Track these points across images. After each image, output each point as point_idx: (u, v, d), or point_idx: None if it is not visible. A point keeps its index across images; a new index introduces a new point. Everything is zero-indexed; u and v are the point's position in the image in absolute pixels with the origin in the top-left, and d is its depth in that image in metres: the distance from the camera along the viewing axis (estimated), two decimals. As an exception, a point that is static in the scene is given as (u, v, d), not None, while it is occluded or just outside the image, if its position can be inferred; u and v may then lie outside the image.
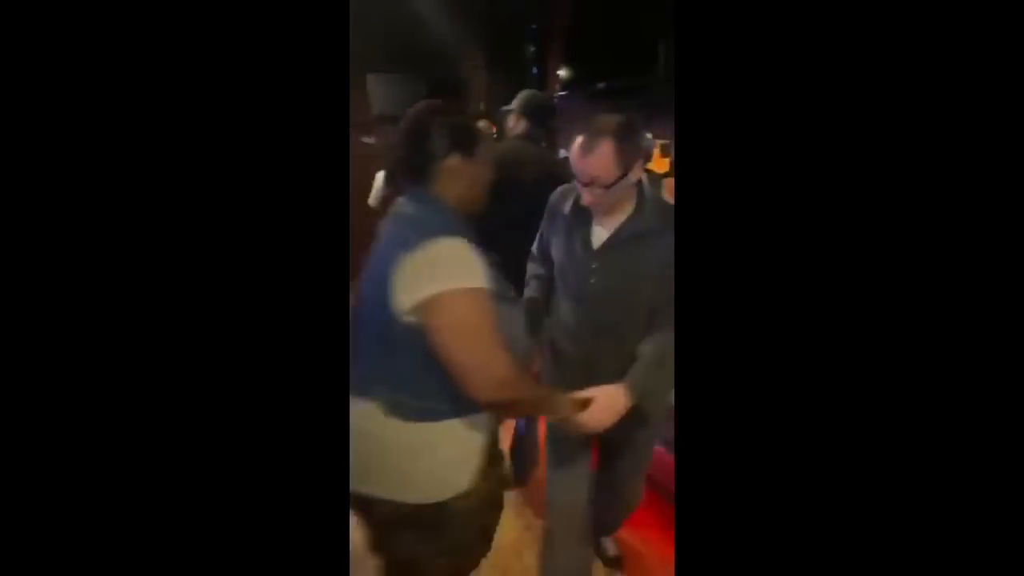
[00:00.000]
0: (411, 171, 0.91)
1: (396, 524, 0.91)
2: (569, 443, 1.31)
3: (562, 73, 3.44)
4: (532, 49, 3.86)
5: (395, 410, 0.88)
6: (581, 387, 1.06)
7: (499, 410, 0.88)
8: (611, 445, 1.40)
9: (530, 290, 1.35)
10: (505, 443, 1.48)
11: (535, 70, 3.84)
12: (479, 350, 0.81)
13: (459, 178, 0.90)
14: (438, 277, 0.80)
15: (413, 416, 0.88)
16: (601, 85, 2.91)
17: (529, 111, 1.80)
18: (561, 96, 3.37)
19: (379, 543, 0.98)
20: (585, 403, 1.01)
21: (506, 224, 1.43)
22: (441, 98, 1.00)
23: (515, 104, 1.83)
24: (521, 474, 2.05)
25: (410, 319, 0.83)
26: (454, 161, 0.89)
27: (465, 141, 0.91)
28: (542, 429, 2.03)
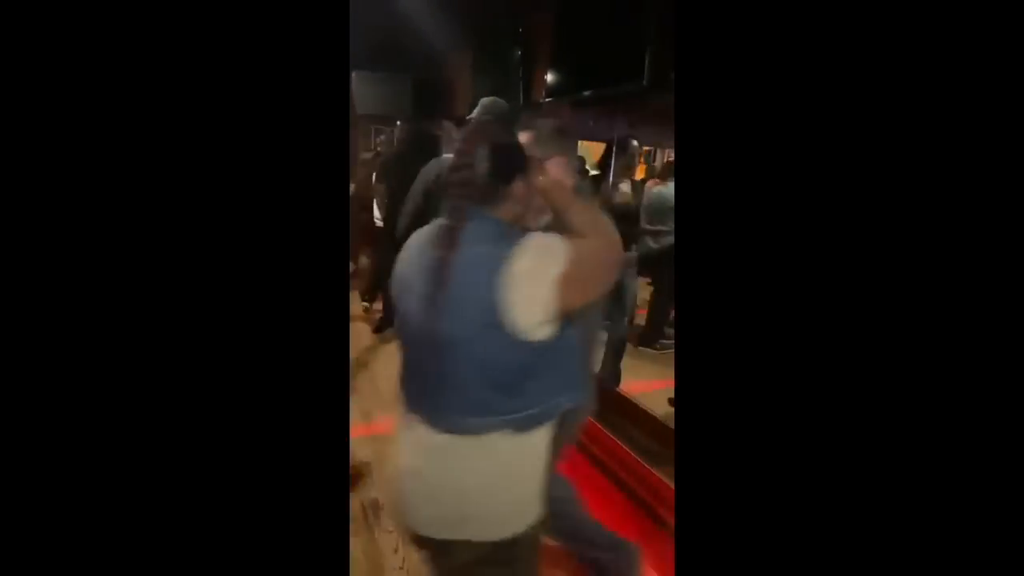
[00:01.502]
0: (482, 196, 0.89)
1: (474, 566, 0.88)
2: None
3: (549, 77, 3.44)
4: (518, 52, 3.86)
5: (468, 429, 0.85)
6: None
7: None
8: None
9: None
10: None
11: (520, 72, 3.84)
12: (605, 266, 0.89)
13: (521, 201, 0.90)
14: (548, 264, 0.81)
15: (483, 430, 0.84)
16: (587, 93, 2.91)
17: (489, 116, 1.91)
18: (547, 102, 3.37)
19: None
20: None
21: None
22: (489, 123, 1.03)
23: (476, 111, 1.93)
24: None
25: (542, 332, 0.81)
26: (519, 186, 0.91)
27: (525, 166, 0.92)
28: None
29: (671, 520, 1.89)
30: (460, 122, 2.21)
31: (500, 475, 0.87)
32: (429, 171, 2.15)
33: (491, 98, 1.97)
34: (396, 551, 1.79)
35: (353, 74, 3.95)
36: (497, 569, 0.89)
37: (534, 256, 0.81)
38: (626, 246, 1.11)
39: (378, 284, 3.73)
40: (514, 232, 0.87)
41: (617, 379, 2.66)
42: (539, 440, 0.88)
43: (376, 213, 3.93)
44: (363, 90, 4.05)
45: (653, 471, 2.00)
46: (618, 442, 2.18)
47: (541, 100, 3.44)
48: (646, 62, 2.55)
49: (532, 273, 0.80)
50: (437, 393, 0.85)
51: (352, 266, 4.50)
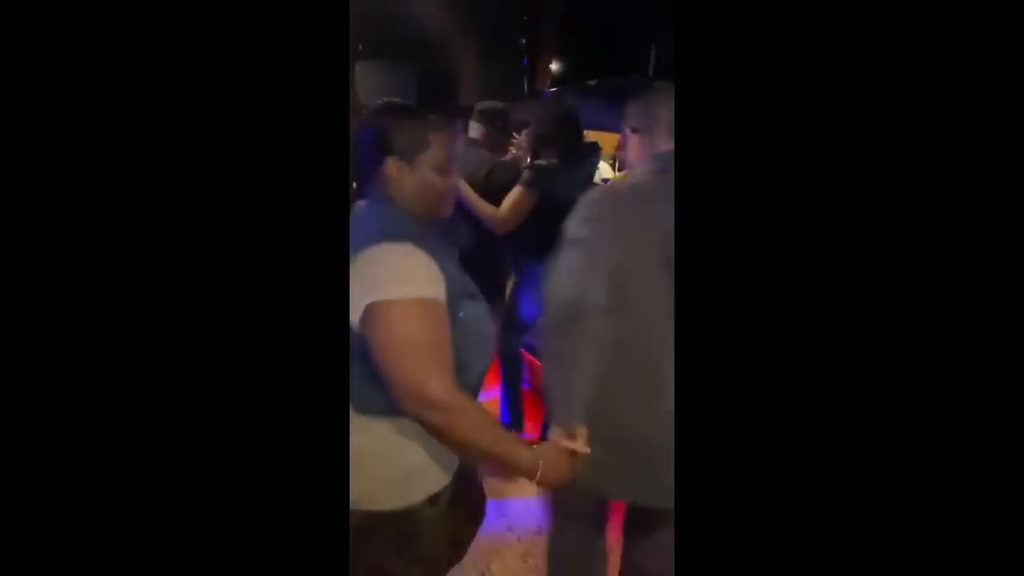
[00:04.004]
0: (360, 173, 0.90)
1: (366, 534, 0.89)
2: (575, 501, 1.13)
3: (554, 67, 3.45)
4: (523, 41, 3.86)
5: (364, 408, 0.85)
6: None
7: (441, 438, 0.80)
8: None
9: None
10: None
11: (526, 62, 3.85)
12: (410, 365, 0.77)
13: (402, 182, 0.88)
14: (375, 285, 0.77)
15: (381, 412, 0.85)
16: (591, 82, 2.94)
17: (483, 118, 2.07)
18: (550, 91, 3.40)
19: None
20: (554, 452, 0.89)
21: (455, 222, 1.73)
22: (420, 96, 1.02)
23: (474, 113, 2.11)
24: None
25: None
26: (393, 165, 0.87)
27: (404, 146, 0.90)
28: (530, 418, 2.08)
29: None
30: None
31: (391, 447, 0.87)
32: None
33: (485, 101, 2.12)
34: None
35: (357, 64, 3.93)
36: (390, 541, 0.90)
37: (375, 264, 0.79)
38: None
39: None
40: (399, 217, 0.86)
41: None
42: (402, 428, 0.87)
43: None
44: (368, 79, 4.04)
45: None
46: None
47: (546, 89, 3.46)
48: (651, 53, 2.57)
49: (356, 280, 0.78)
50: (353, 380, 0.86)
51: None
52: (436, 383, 0.76)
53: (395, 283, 0.77)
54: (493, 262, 1.98)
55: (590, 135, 4.05)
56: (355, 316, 0.77)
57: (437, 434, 0.79)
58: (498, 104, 2.06)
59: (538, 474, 0.83)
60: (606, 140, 4.18)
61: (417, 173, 0.88)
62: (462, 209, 1.93)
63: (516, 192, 1.91)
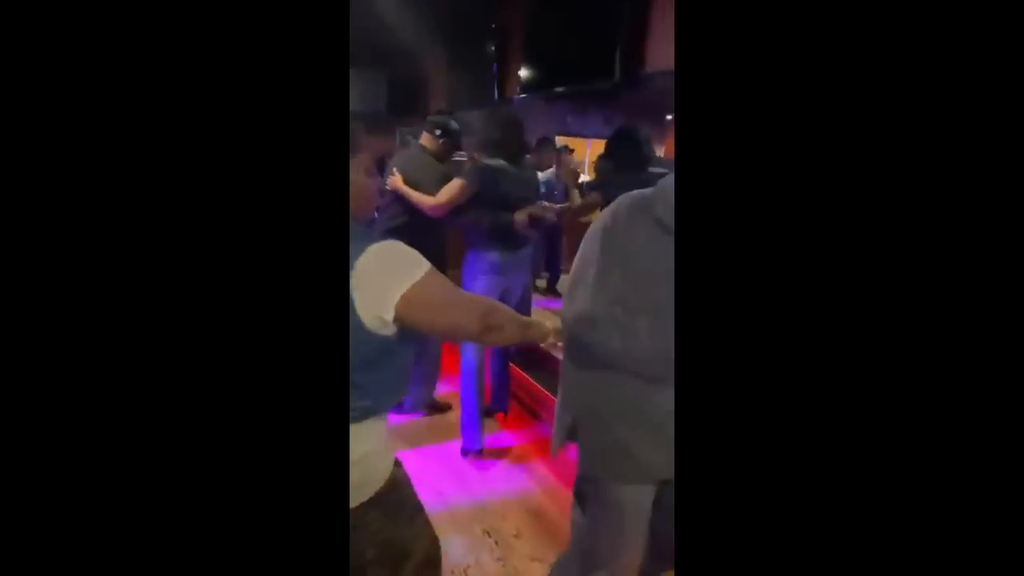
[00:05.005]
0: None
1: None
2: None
3: (523, 73, 3.49)
4: (492, 48, 3.89)
5: None
6: None
7: (493, 338, 0.98)
8: None
9: None
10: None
11: (495, 69, 3.87)
12: (467, 308, 0.96)
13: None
14: (397, 277, 0.86)
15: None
16: (560, 89, 2.97)
17: (432, 129, 2.47)
18: (520, 97, 3.43)
19: None
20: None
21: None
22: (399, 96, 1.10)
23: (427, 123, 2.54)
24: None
25: (386, 332, 0.87)
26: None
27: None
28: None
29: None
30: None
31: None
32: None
33: (440, 115, 2.52)
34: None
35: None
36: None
37: (379, 259, 0.86)
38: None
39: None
40: (368, 231, 0.94)
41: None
42: (368, 430, 0.93)
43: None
44: (338, 87, 4.01)
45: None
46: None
47: (515, 95, 3.49)
48: (616, 58, 2.61)
49: (375, 275, 0.85)
50: None
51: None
52: (492, 311, 0.97)
53: (410, 267, 0.88)
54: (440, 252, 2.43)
55: (562, 140, 4.09)
56: (386, 313, 0.85)
57: (500, 344, 1.03)
58: (447, 118, 2.48)
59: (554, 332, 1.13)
60: (576, 145, 4.23)
61: (351, 176, 0.94)
62: (404, 202, 2.34)
63: (454, 182, 2.23)
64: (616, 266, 1.02)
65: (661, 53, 2.62)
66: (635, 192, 1.07)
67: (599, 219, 1.10)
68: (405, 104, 4.38)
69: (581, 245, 1.13)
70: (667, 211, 0.98)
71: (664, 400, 0.99)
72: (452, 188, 2.23)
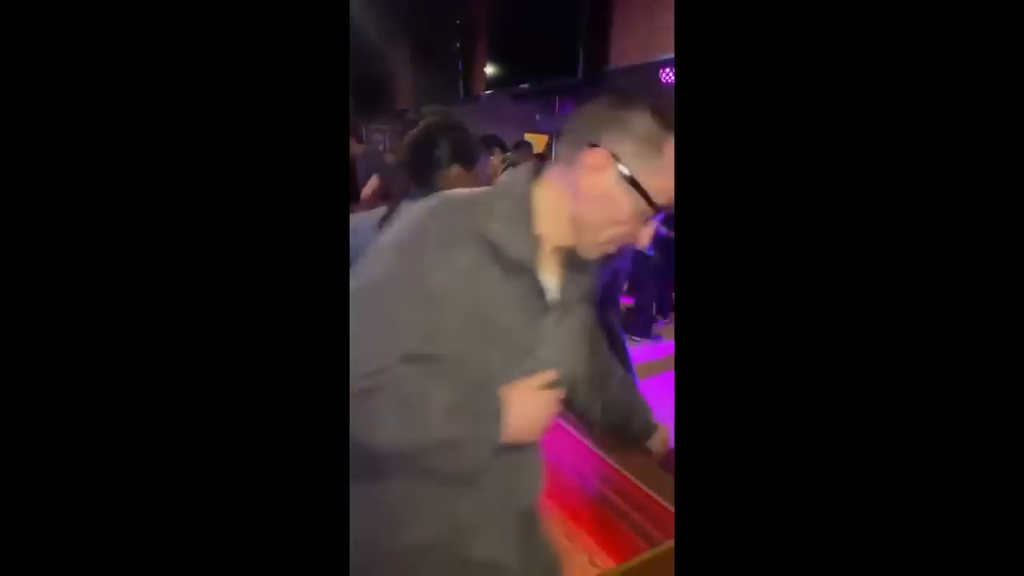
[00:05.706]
0: (417, 177, 1.05)
1: None
2: None
3: (488, 71, 3.51)
4: (456, 45, 3.90)
5: None
6: None
7: None
8: None
9: None
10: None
11: (460, 67, 3.88)
12: None
13: (459, 186, 1.03)
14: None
15: None
16: (524, 86, 3.01)
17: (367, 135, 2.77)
18: (485, 95, 3.45)
19: None
20: None
21: None
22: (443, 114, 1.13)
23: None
24: None
25: None
26: (455, 171, 1.01)
27: (466, 155, 1.03)
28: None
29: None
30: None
31: None
32: None
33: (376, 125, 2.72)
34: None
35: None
36: None
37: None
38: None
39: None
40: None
41: None
42: None
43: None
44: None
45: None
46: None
47: (480, 93, 3.51)
48: (580, 56, 2.66)
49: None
50: None
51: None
52: None
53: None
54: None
55: (528, 136, 4.13)
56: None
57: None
58: (382, 126, 2.69)
59: None
60: (539, 141, 4.28)
61: (472, 179, 1.03)
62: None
63: (371, 178, 2.45)
64: (413, 304, 0.64)
65: (623, 50, 2.68)
66: (460, 192, 0.71)
67: (392, 227, 0.70)
68: (370, 102, 4.36)
69: (360, 263, 0.69)
70: (509, 226, 0.65)
71: (469, 510, 0.72)
72: (369, 185, 2.44)
